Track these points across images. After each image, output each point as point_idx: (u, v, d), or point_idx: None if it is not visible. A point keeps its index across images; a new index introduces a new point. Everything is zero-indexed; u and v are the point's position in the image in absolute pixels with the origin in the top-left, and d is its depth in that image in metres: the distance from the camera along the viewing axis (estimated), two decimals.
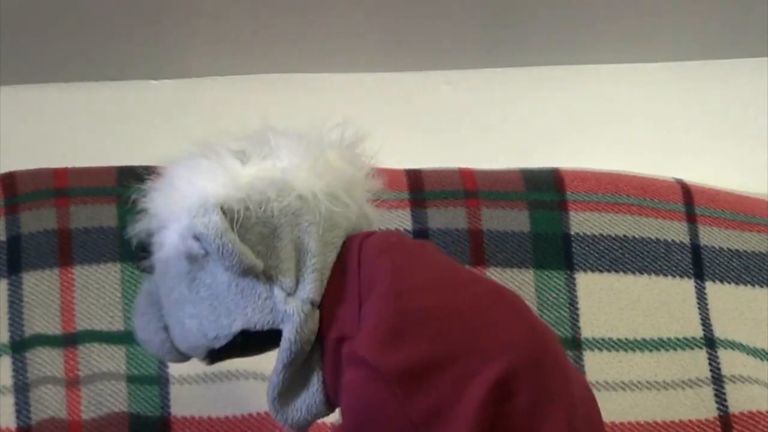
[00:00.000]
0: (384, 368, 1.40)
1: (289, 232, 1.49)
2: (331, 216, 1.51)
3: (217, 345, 1.51)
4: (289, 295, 1.48)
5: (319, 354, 1.50)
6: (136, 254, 1.61)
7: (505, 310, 1.49)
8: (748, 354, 2.16)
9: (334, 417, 2.03)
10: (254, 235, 1.48)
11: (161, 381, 2.11)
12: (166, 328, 1.57)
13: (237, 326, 1.49)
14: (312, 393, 1.51)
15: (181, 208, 1.49)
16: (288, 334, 1.47)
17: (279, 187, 1.50)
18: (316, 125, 1.56)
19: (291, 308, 1.47)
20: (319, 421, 2.07)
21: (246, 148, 1.53)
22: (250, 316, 1.48)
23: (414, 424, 1.40)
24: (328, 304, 1.49)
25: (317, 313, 1.48)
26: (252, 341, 1.52)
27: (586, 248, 2.19)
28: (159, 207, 1.53)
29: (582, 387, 1.53)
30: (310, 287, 1.48)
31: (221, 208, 1.46)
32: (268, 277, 1.49)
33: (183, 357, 1.60)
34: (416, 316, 1.43)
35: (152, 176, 1.57)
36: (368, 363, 1.41)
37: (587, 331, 2.15)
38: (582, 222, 2.20)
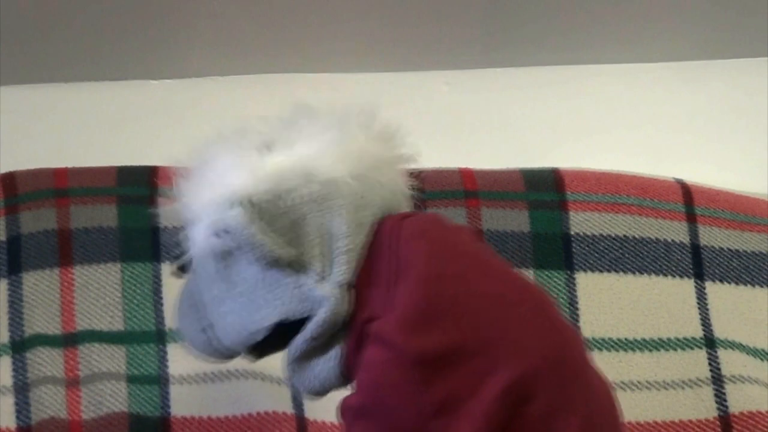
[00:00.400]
0: (408, 350, 1.40)
1: (318, 217, 1.49)
2: (362, 196, 1.51)
3: (258, 338, 1.51)
4: (320, 280, 1.48)
5: (344, 331, 1.50)
6: (173, 258, 1.62)
7: (533, 309, 1.48)
8: (748, 354, 2.16)
9: (335, 416, 2.03)
10: (282, 225, 1.48)
11: (161, 381, 2.11)
12: (209, 327, 1.57)
13: (273, 318, 1.49)
14: (330, 366, 1.51)
15: (209, 203, 1.49)
16: (322, 313, 1.47)
17: (304, 175, 1.49)
18: (346, 106, 1.56)
19: (324, 292, 1.47)
20: (319, 420, 2.07)
21: (272, 136, 1.53)
22: (285, 307, 1.48)
23: (425, 412, 1.40)
24: (361, 284, 1.49)
25: (351, 293, 1.49)
26: (293, 331, 1.52)
27: (586, 248, 2.19)
28: (188, 202, 1.53)
29: (603, 389, 1.52)
30: (342, 269, 1.48)
31: (247, 201, 1.46)
32: (299, 265, 1.49)
33: (228, 355, 1.60)
34: (446, 304, 1.43)
35: (180, 170, 1.56)
36: (394, 343, 1.41)
37: (587, 331, 2.15)
38: (582, 222, 2.20)
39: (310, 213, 1.49)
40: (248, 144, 1.52)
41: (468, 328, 1.43)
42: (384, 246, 1.50)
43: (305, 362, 1.52)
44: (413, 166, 1.60)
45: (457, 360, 1.41)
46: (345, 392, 1.50)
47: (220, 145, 1.54)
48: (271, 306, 1.49)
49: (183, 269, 1.61)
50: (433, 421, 1.40)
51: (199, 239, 1.51)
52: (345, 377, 1.52)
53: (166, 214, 1.59)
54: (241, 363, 2.06)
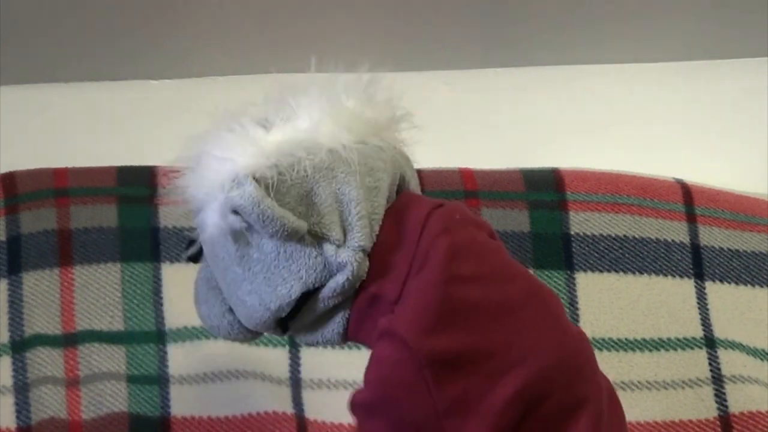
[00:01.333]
0: (420, 351, 1.41)
1: (327, 186, 1.49)
2: (366, 162, 1.51)
3: (283, 314, 1.51)
4: (339, 246, 1.48)
5: (353, 295, 1.51)
6: (185, 248, 1.61)
7: (543, 311, 1.50)
8: (748, 354, 2.16)
9: (336, 417, 2.03)
10: (292, 198, 1.48)
11: (161, 381, 2.11)
12: (231, 311, 1.57)
13: (296, 291, 1.48)
14: (334, 328, 1.53)
15: (215, 186, 1.48)
16: (341, 278, 1.47)
17: (307, 147, 1.49)
18: (330, 76, 1.56)
19: (344, 258, 1.47)
20: (319, 420, 2.07)
21: (267, 115, 1.53)
22: (305, 278, 1.48)
23: (437, 411, 1.40)
24: (377, 254, 1.50)
25: (367, 260, 1.49)
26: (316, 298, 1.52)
27: (586, 248, 2.19)
28: (193, 189, 1.52)
29: (608, 390, 1.53)
30: (360, 234, 1.48)
31: (254, 177, 1.46)
32: (314, 235, 1.48)
33: (254, 335, 1.59)
34: (461, 306, 1.44)
35: (180, 158, 1.55)
36: (405, 342, 1.41)
37: (587, 331, 2.12)
38: (582, 222, 2.20)
39: (318, 183, 1.49)
40: (246, 122, 1.52)
41: (481, 330, 1.44)
42: (409, 231, 1.50)
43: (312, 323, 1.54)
44: (409, 125, 1.61)
45: (470, 362, 1.42)
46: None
47: (217, 128, 1.53)
48: (293, 279, 1.48)
49: (196, 258, 1.61)
50: (444, 420, 1.41)
51: (210, 223, 1.50)
52: (344, 337, 1.54)
53: (169, 212, 1.58)
54: (241, 363, 2.06)
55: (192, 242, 1.60)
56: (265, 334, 1.60)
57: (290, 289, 1.49)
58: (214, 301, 1.58)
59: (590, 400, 1.46)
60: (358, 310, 1.50)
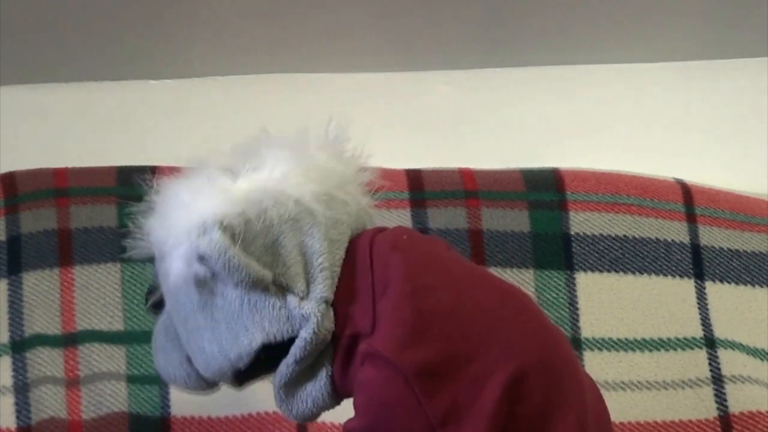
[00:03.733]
0: (404, 366, 1.41)
1: (292, 237, 1.49)
2: (332, 214, 1.51)
3: (242, 365, 1.50)
4: (302, 298, 1.48)
5: (331, 350, 1.50)
6: (146, 296, 1.60)
7: (517, 310, 1.50)
8: (748, 354, 2.16)
9: (335, 416, 2.03)
10: (258, 247, 1.48)
11: (161, 381, 2.10)
12: (188, 360, 1.56)
13: (257, 342, 1.48)
14: (319, 386, 1.51)
15: (181, 233, 1.48)
16: (305, 334, 1.46)
17: (274, 196, 1.49)
18: (300, 128, 1.56)
19: (307, 311, 1.47)
20: (319, 421, 2.07)
21: (235, 163, 1.52)
22: (267, 330, 1.47)
23: (431, 422, 1.40)
24: (340, 301, 1.49)
25: (332, 311, 1.48)
26: (275, 354, 1.51)
27: (586, 248, 2.19)
28: (158, 236, 1.52)
29: (591, 387, 1.54)
30: (322, 286, 1.48)
31: (220, 225, 1.45)
32: (278, 286, 1.48)
33: (211, 386, 1.59)
34: (433, 315, 1.44)
35: (147, 203, 1.55)
36: (388, 361, 1.41)
37: (587, 331, 2.15)
38: (582, 222, 2.20)
39: (283, 234, 1.49)
40: (213, 171, 1.51)
41: (458, 335, 1.44)
42: (359, 262, 1.51)
43: (294, 388, 1.52)
44: (370, 178, 1.60)
45: (454, 368, 1.42)
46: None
47: (185, 175, 1.53)
48: (255, 329, 1.48)
49: (158, 306, 1.60)
50: (440, 429, 1.41)
51: (174, 270, 1.49)
52: (335, 397, 1.53)
53: (136, 251, 1.57)
54: None
55: (154, 289, 1.59)
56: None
57: (251, 340, 1.48)
58: (172, 350, 1.57)
59: (574, 396, 1.46)
60: (341, 359, 1.49)
